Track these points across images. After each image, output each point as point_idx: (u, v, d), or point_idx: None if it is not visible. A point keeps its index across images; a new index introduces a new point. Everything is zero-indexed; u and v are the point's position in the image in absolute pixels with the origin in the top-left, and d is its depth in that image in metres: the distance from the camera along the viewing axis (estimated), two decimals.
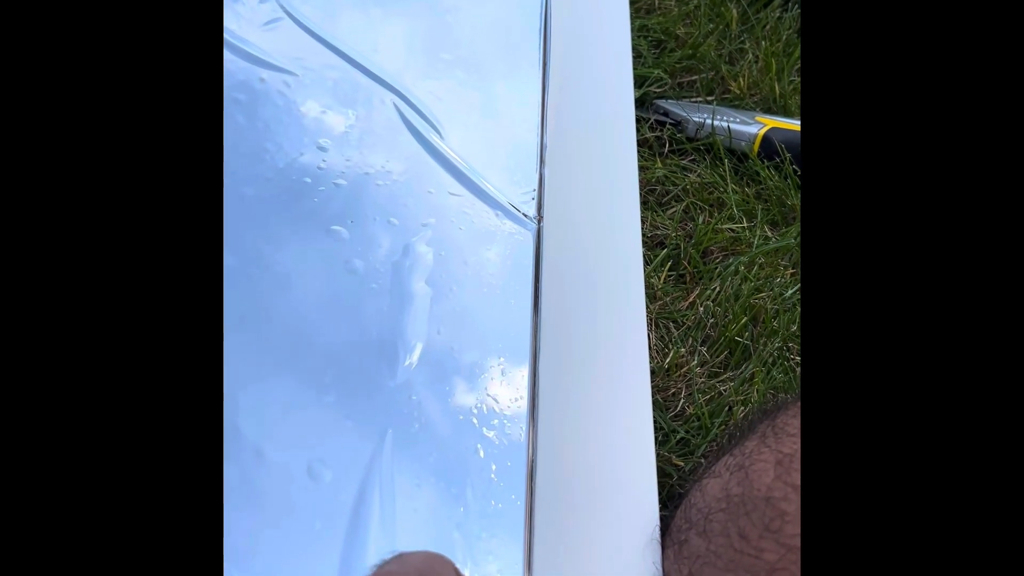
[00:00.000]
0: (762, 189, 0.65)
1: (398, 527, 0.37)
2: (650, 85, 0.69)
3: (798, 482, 0.36)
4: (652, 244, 0.60)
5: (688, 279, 0.59)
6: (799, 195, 0.65)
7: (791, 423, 0.39)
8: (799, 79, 0.73)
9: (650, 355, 0.49)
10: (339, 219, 0.45)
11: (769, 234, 0.63)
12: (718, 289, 0.58)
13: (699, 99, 0.70)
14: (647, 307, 0.52)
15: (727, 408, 0.53)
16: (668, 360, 0.54)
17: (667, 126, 0.66)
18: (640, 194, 0.55)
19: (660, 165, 0.64)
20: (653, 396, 0.48)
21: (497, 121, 0.51)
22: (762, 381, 0.54)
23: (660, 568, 0.41)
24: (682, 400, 0.53)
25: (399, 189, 0.47)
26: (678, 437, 0.51)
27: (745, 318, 0.56)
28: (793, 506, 0.36)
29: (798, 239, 0.62)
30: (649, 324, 0.55)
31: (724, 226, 0.61)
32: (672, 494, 0.47)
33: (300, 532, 0.36)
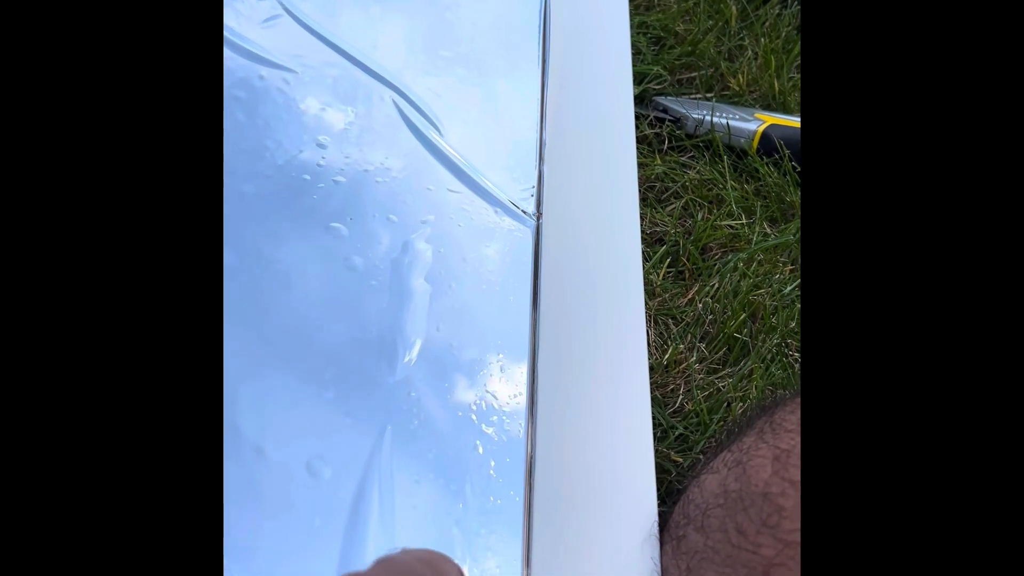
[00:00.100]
0: (761, 186, 0.65)
1: (397, 523, 0.37)
2: (649, 82, 0.69)
3: (795, 478, 0.36)
4: (651, 241, 0.60)
5: (687, 276, 0.59)
6: (798, 191, 0.65)
7: (789, 419, 0.39)
8: (798, 76, 0.73)
9: (649, 351, 0.50)
10: (338, 216, 0.45)
11: (768, 230, 0.63)
12: (717, 286, 0.58)
13: (698, 96, 0.70)
14: (646, 304, 0.52)
15: (726, 404, 0.53)
16: (667, 356, 0.54)
17: (666, 123, 0.66)
18: (639, 191, 0.55)
19: (659, 162, 0.64)
20: (652, 392, 0.48)
21: (496, 118, 0.51)
22: (760, 377, 0.54)
23: (658, 563, 0.41)
24: (681, 396, 0.53)
25: (398, 186, 0.47)
26: (677, 433, 0.51)
27: (744, 314, 0.56)
28: (790, 502, 0.36)
29: (797, 235, 0.62)
30: (648, 321, 0.55)
31: (723, 223, 0.62)
32: (671, 490, 0.47)
33: (299, 528, 0.36)
